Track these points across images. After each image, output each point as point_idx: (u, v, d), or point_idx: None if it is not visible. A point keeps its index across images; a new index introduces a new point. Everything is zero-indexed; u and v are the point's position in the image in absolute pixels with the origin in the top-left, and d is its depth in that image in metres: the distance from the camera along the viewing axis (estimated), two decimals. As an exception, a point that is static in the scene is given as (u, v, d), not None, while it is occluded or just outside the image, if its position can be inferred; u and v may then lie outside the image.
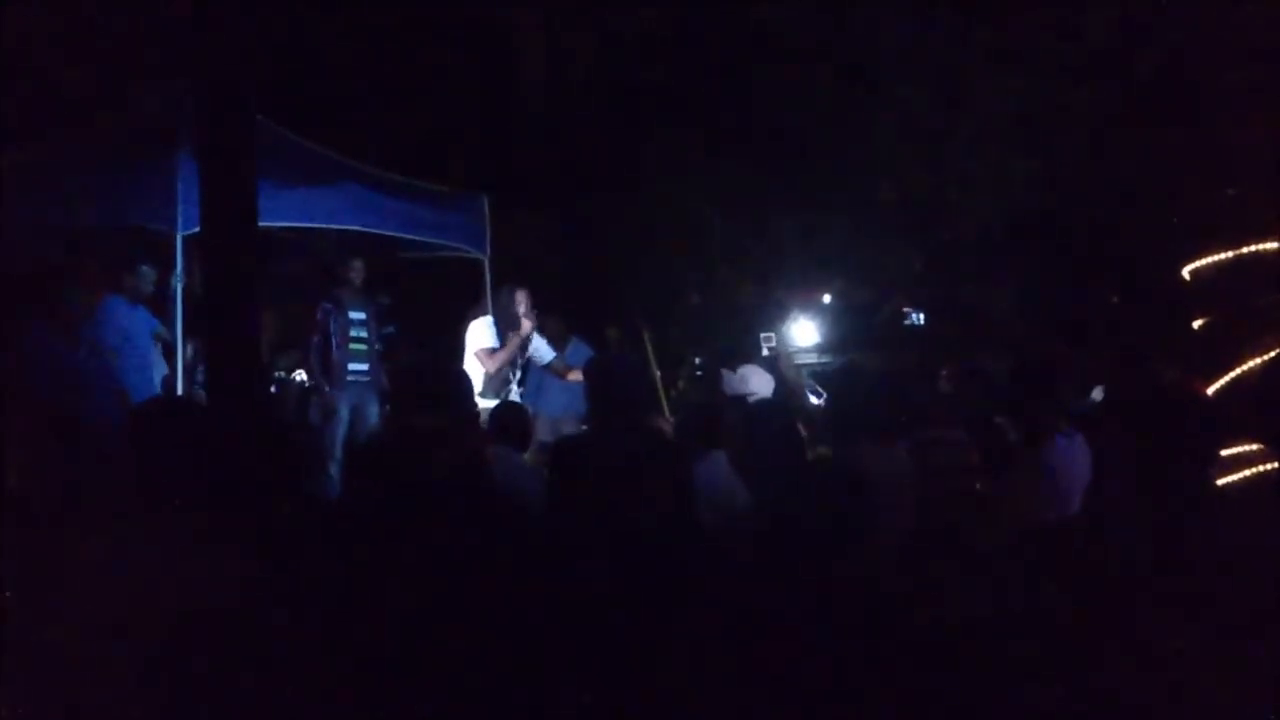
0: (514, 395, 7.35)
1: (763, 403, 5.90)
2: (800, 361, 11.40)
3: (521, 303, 7.33)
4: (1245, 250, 5.89)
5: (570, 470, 3.53)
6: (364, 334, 7.76)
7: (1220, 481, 4.02)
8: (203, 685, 2.48)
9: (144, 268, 7.31)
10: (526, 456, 5.62)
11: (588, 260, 11.81)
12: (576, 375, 7.55)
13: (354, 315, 7.76)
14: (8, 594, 2.56)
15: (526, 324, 7.29)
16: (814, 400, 9.31)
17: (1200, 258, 6.20)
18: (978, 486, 4.49)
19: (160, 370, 7.50)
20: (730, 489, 4.48)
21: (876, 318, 14.24)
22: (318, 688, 2.42)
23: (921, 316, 14.77)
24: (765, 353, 9.33)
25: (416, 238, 8.16)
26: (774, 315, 11.09)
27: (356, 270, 7.82)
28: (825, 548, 2.57)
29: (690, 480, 3.85)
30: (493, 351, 7.22)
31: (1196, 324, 6.24)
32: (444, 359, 7.65)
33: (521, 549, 2.65)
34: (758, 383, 6.17)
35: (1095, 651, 2.27)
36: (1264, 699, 2.04)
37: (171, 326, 6.99)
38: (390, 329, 8.76)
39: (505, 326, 7.28)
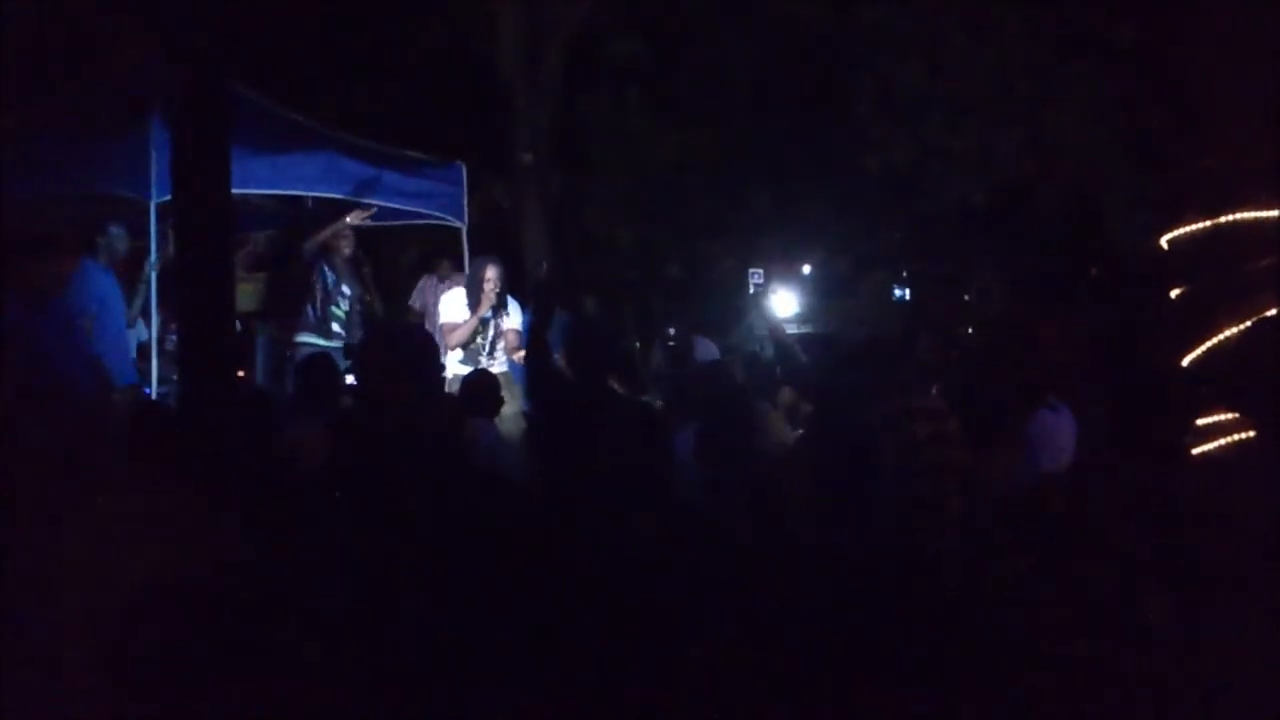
0: (495, 366, 7.26)
1: (701, 366, 5.81)
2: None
3: (490, 279, 7.20)
4: (1223, 220, 5.89)
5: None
6: (342, 302, 7.76)
7: (1196, 450, 4.03)
8: (183, 656, 2.47)
9: (114, 229, 7.21)
10: (502, 422, 5.60)
11: (567, 231, 11.77)
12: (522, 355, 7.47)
13: (336, 281, 7.78)
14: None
15: (485, 302, 7.14)
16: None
17: (1178, 227, 6.20)
18: (958, 456, 4.48)
19: (139, 335, 7.40)
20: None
21: (859, 292, 14.23)
22: (300, 659, 2.41)
23: (907, 293, 14.77)
24: (752, 290, 9.29)
25: (393, 205, 8.11)
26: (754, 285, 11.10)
27: (347, 240, 7.83)
28: (814, 515, 2.56)
29: (665, 449, 3.84)
30: (456, 326, 7.15)
31: (1174, 293, 6.25)
32: (411, 325, 7.60)
33: (503, 521, 2.63)
34: (701, 351, 6.15)
35: (1078, 621, 2.28)
36: (1245, 668, 2.06)
37: (143, 297, 6.97)
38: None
39: (473, 300, 7.19)
